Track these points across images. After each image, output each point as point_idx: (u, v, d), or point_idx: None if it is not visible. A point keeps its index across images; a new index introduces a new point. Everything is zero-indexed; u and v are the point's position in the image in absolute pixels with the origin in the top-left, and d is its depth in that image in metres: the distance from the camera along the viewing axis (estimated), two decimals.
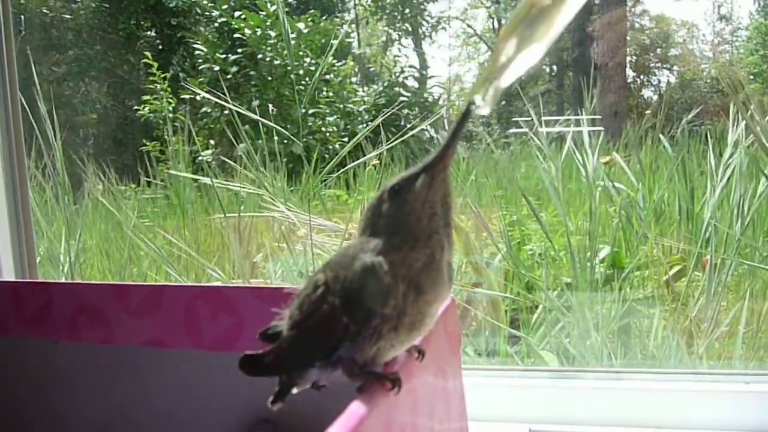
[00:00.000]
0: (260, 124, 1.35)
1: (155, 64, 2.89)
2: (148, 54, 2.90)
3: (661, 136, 1.62)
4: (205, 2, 3.36)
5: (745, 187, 1.25)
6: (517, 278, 1.50)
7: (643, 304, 1.36)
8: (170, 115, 2.91)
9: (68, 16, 3.28)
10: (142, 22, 3.46)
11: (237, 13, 3.15)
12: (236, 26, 3.11)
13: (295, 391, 0.45)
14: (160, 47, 3.43)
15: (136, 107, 2.97)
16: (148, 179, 2.09)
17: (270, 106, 2.66)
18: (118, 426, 0.69)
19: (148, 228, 1.81)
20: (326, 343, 0.41)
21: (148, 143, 2.81)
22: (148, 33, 3.49)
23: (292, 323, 0.44)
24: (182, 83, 2.93)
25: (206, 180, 1.51)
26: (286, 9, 2.95)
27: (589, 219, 1.32)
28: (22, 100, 1.06)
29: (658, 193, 1.63)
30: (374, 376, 0.41)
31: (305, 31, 3.08)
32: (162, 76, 2.91)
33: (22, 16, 2.60)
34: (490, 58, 0.40)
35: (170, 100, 2.94)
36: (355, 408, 0.36)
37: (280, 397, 0.45)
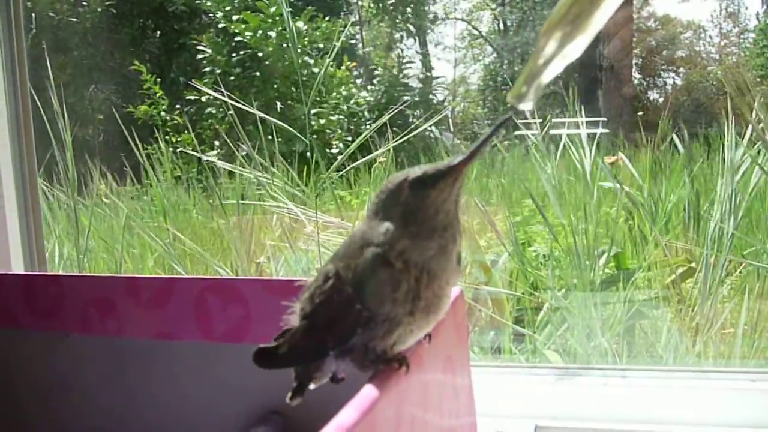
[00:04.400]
0: (265, 123, 1.36)
1: (144, 69, 2.91)
2: (136, 62, 2.92)
3: (674, 136, 1.62)
4: (208, 4, 3.37)
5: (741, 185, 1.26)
6: (523, 277, 1.50)
7: (649, 305, 1.36)
8: (167, 116, 2.93)
9: (74, 20, 3.30)
10: (148, 23, 3.48)
11: (235, 17, 3.17)
12: (235, 28, 3.13)
13: (312, 386, 0.46)
14: (164, 49, 3.45)
15: (129, 110, 2.99)
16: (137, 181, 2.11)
17: (278, 103, 2.67)
18: (128, 417, 0.70)
19: (152, 228, 1.82)
20: (340, 330, 0.42)
21: (148, 146, 2.83)
22: (154, 35, 3.51)
23: (303, 314, 0.45)
24: (189, 83, 2.95)
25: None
26: (290, 9, 2.97)
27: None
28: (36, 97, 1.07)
29: (664, 194, 1.63)
30: (382, 362, 0.42)
31: (305, 28, 3.09)
32: (154, 79, 2.93)
33: (33, 15, 2.62)
34: (532, 55, 0.40)
35: (163, 101, 2.96)
36: (368, 391, 0.37)
37: (299, 392, 0.46)
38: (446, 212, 0.43)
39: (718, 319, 1.21)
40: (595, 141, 1.49)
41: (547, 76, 0.40)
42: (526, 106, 0.41)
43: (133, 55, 3.26)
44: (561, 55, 0.40)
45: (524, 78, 0.41)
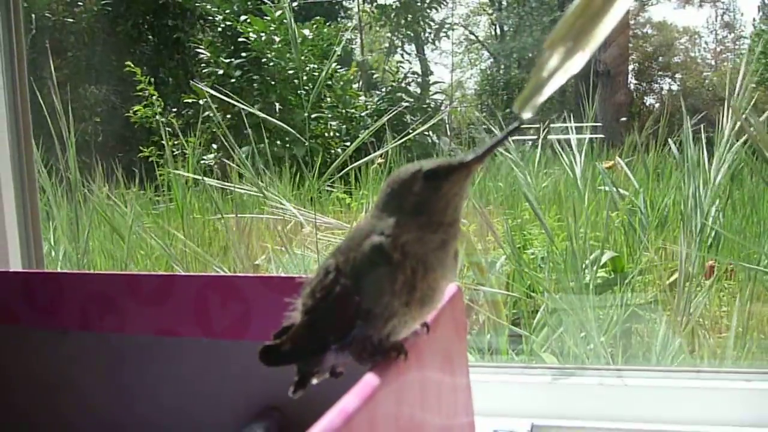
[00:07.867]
0: (263, 127, 1.37)
1: (138, 70, 2.91)
2: (129, 62, 2.92)
3: (670, 141, 1.63)
4: (208, 7, 3.38)
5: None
6: (521, 281, 1.51)
7: (644, 308, 1.37)
8: (162, 120, 2.93)
9: (71, 20, 3.30)
10: (145, 25, 3.48)
11: (242, 18, 3.18)
12: (241, 30, 3.13)
13: (315, 381, 0.46)
14: (161, 51, 3.45)
15: (126, 115, 2.99)
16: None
17: (277, 105, 2.69)
18: (128, 414, 0.70)
19: (152, 230, 1.82)
20: (341, 324, 0.42)
21: (144, 149, 2.83)
22: (150, 37, 3.51)
23: (305, 310, 0.45)
24: (191, 83, 2.95)
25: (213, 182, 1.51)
26: (292, 14, 2.98)
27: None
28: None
29: (660, 198, 1.64)
30: (380, 354, 0.42)
31: (310, 36, 3.10)
32: (149, 81, 2.94)
33: (33, 15, 2.62)
34: (535, 68, 0.42)
35: (160, 106, 2.96)
36: (369, 378, 0.37)
37: (301, 386, 0.46)
38: (454, 207, 0.43)
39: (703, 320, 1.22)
40: (592, 145, 1.50)
41: (549, 89, 0.42)
42: (527, 115, 0.43)
43: (129, 55, 3.26)
44: (563, 69, 0.41)
45: (530, 89, 0.42)
